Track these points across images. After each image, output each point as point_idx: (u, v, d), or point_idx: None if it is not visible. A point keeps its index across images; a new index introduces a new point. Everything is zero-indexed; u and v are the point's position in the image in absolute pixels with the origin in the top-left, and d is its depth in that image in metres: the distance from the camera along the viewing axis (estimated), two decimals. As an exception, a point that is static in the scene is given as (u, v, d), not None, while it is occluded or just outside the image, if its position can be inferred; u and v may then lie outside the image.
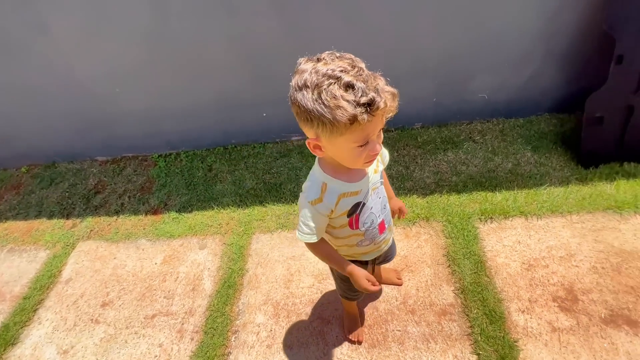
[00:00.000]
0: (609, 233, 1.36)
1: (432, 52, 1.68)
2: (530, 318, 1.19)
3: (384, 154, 0.86)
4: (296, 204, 1.69)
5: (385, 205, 0.87)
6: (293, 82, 0.58)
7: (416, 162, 1.80)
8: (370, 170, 0.78)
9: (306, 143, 0.67)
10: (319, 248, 0.82)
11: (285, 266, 1.48)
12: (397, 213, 1.02)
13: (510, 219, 1.48)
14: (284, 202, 1.73)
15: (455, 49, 1.66)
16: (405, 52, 1.67)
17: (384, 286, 1.35)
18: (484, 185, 1.61)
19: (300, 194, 0.78)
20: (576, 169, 1.60)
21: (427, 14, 1.53)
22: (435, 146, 1.86)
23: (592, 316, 1.16)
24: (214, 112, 1.95)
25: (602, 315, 1.16)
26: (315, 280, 1.41)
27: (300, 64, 0.59)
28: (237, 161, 2.02)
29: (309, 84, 0.55)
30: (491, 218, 1.49)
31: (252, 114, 1.94)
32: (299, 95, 0.56)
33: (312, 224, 0.75)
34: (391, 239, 1.00)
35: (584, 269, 1.28)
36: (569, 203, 1.48)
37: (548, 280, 1.27)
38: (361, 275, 0.82)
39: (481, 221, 1.49)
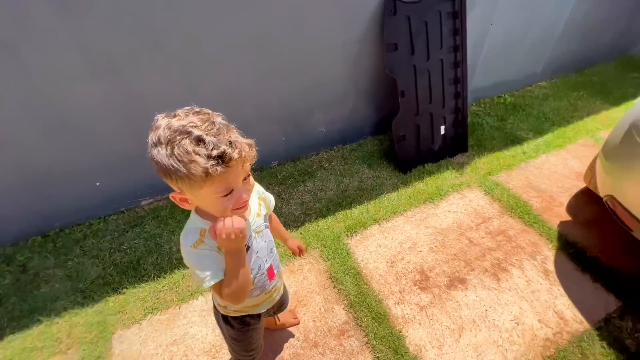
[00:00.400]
0: (431, 219, 1.79)
1: (272, 96, 1.83)
2: (404, 306, 1.41)
3: (269, 199, 0.89)
4: (165, 277, 1.46)
5: (272, 249, 0.87)
6: (149, 139, 0.58)
7: (282, 198, 1.89)
8: (253, 213, 0.78)
9: (171, 197, 0.65)
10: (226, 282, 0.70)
11: (168, 356, 1.24)
12: (297, 252, 1.06)
13: (368, 228, 1.74)
14: (148, 280, 1.47)
15: (291, 92, 1.87)
16: (249, 100, 1.76)
17: (284, 330, 1.32)
18: (342, 205, 1.85)
19: (181, 247, 0.70)
20: (399, 175, 2.06)
21: (261, 65, 1.68)
22: (294, 180, 2.01)
23: (440, 286, 1.49)
24: (20, 192, 1.49)
25: (445, 283, 1.50)
26: (209, 357, 1.24)
27: (157, 120, 0.59)
28: (69, 248, 1.59)
29: (162, 139, 0.56)
30: (355, 232, 1.71)
31: (80, 185, 1.59)
32: (154, 152, 0.57)
33: (206, 264, 0.69)
34: (282, 287, 1.00)
35: (425, 251, 1.63)
36: (402, 203, 1.87)
37: (407, 270, 1.55)
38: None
39: (348, 237, 1.69)
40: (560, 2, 2.43)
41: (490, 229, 1.73)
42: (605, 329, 1.33)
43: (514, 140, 2.31)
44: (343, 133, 2.23)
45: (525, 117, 2.54)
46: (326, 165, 2.12)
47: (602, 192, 1.47)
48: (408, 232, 1.72)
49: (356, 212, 1.81)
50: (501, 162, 2.12)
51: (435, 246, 1.65)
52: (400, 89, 1.91)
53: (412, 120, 2.00)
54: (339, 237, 1.67)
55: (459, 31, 1.95)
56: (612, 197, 1.37)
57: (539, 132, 2.39)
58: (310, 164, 2.13)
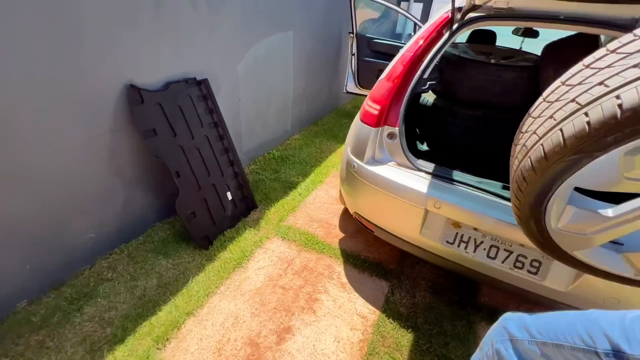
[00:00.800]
0: (245, 284, 1.82)
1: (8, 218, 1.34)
2: (244, 391, 1.33)
3: None
4: None
5: None
6: None
7: (47, 347, 1.37)
8: None
9: None
10: None
11: None
12: None
13: (183, 326, 1.55)
14: None
15: (26, 208, 1.44)
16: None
17: None
18: (143, 315, 1.56)
19: None
20: (202, 253, 1.98)
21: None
22: (62, 313, 1.52)
23: (271, 347, 1.51)
24: None
25: (275, 340, 1.54)
26: None
27: None
28: None
29: None
30: (167, 339, 1.48)
31: None
32: None
33: None
34: None
35: (248, 320, 1.63)
36: (212, 281, 1.80)
37: (236, 349, 1.48)
38: None
39: (160, 349, 1.43)
40: (284, 82, 3.22)
41: (295, 269, 1.95)
42: (387, 307, 1.77)
43: (290, 186, 2.77)
44: (122, 230, 1.93)
45: (292, 165, 3.11)
46: (109, 275, 1.75)
47: (351, 209, 2.00)
48: (226, 308, 1.67)
49: (163, 315, 1.57)
50: (286, 207, 2.48)
51: (256, 309, 1.68)
52: (174, 170, 1.88)
53: (197, 196, 2.01)
54: (148, 358, 1.38)
55: (213, 110, 2.18)
56: (356, 212, 1.89)
57: (305, 174, 2.99)
58: (84, 282, 1.69)
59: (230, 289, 1.78)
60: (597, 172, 0.77)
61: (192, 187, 1.99)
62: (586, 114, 0.72)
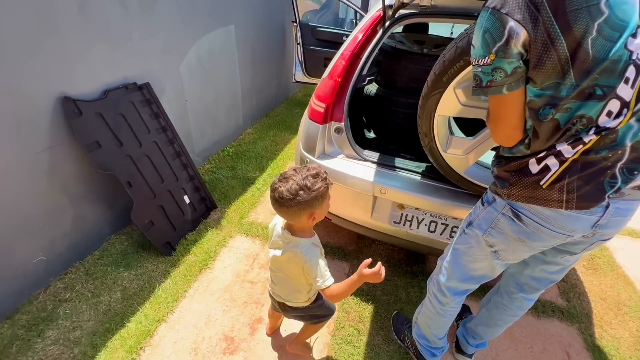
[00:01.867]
0: (213, 283, 1.88)
1: None
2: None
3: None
4: None
5: None
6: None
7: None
8: None
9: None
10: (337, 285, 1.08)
11: None
12: None
13: (155, 333, 1.58)
14: None
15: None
16: None
17: None
18: (112, 329, 1.57)
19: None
20: (165, 260, 1.98)
21: None
22: (21, 342, 1.47)
23: (245, 338, 1.61)
24: None
25: (248, 332, 1.64)
26: None
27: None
28: None
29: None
30: (141, 348, 1.51)
31: None
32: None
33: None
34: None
35: (220, 317, 1.70)
36: (180, 286, 1.83)
37: (212, 345, 1.56)
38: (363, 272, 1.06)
39: (135, 359, 1.46)
40: (231, 77, 3.17)
41: (261, 263, 2.05)
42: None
43: (248, 182, 2.81)
44: (75, 248, 1.86)
45: (248, 160, 3.13)
46: (67, 295, 1.70)
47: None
48: (197, 309, 1.72)
49: (133, 326, 1.59)
50: (246, 204, 2.54)
51: (227, 306, 1.76)
52: (125, 181, 1.84)
53: (153, 204, 1.99)
54: (123, 370, 1.41)
55: (159, 114, 2.13)
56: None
57: (262, 168, 3.04)
58: (40, 307, 1.63)
59: (199, 290, 1.83)
60: (447, 102, 1.25)
61: (147, 195, 1.96)
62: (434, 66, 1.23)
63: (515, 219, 0.97)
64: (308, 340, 1.58)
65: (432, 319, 1.37)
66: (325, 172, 1.05)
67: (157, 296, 1.76)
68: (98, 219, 1.98)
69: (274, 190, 1.01)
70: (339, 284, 1.08)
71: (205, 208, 2.38)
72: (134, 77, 2.02)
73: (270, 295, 1.36)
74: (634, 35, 0.72)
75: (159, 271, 1.91)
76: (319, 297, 1.31)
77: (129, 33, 1.93)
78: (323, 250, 1.17)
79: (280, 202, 1.00)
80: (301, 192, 0.98)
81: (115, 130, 1.84)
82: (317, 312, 1.34)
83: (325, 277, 1.07)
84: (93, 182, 1.87)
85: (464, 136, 1.47)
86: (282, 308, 1.34)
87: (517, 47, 0.77)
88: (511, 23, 0.76)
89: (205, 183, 2.65)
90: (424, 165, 1.73)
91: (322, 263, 1.09)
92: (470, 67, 1.07)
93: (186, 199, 2.23)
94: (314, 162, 1.76)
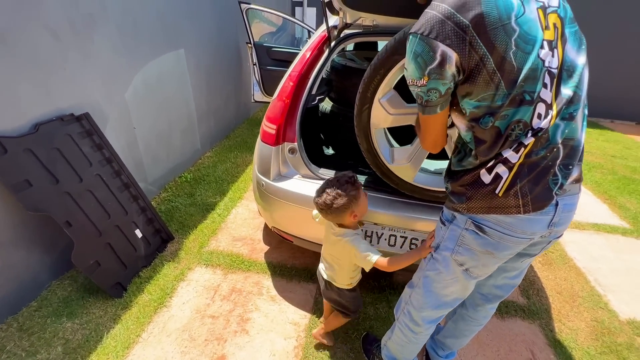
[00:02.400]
0: (170, 323, 1.74)
1: None
2: None
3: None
4: None
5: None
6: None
7: None
8: None
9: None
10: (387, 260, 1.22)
11: None
12: None
13: (102, 389, 1.42)
14: None
15: None
16: None
17: None
18: (50, 391, 1.38)
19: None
20: (115, 302, 1.81)
21: None
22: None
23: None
24: None
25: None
26: None
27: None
28: None
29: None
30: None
31: None
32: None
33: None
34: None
35: (179, 358, 1.57)
36: (132, 330, 1.67)
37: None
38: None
39: None
40: (184, 101, 3.08)
41: (223, 294, 1.93)
42: (317, 308, 1.88)
43: (208, 208, 2.70)
44: (5, 301, 1.65)
45: (207, 185, 3.02)
46: (-4, 358, 1.49)
47: (269, 224, 2.05)
48: (152, 355, 1.58)
49: (75, 384, 1.42)
50: (206, 232, 2.42)
51: (185, 346, 1.63)
52: (63, 221, 1.68)
53: (98, 242, 1.83)
54: None
55: (102, 145, 1.99)
56: (274, 227, 1.95)
57: (222, 193, 2.94)
58: (-39, 376, 1.41)
59: (154, 333, 1.68)
60: (378, 115, 1.35)
61: (90, 234, 1.80)
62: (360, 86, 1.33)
63: (479, 232, 0.97)
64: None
65: (404, 346, 1.33)
66: (354, 176, 1.28)
67: (105, 346, 1.59)
68: (33, 265, 1.78)
69: (315, 203, 1.28)
70: (395, 257, 1.25)
71: (160, 240, 2.24)
72: (70, 107, 1.88)
73: (319, 275, 1.53)
74: (542, 47, 0.82)
75: (108, 316, 1.74)
76: (355, 289, 1.49)
77: (61, 62, 1.81)
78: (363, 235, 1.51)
79: (323, 212, 1.27)
80: (336, 201, 1.22)
81: (50, 167, 1.68)
82: (348, 301, 1.48)
83: (373, 252, 1.25)
84: (25, 226, 1.69)
85: (399, 146, 1.55)
86: (326, 286, 1.49)
87: (451, 69, 0.83)
88: (442, 47, 0.81)
89: (161, 213, 2.51)
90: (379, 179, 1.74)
91: (366, 243, 1.29)
92: (388, 78, 1.27)
93: (138, 233, 2.08)
94: (269, 185, 1.72)
